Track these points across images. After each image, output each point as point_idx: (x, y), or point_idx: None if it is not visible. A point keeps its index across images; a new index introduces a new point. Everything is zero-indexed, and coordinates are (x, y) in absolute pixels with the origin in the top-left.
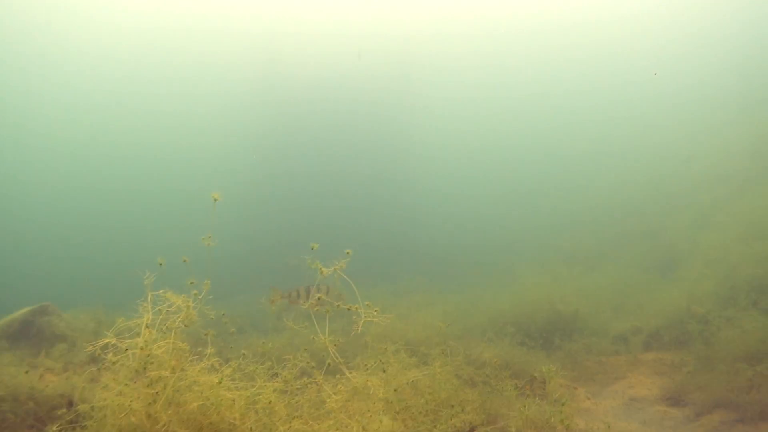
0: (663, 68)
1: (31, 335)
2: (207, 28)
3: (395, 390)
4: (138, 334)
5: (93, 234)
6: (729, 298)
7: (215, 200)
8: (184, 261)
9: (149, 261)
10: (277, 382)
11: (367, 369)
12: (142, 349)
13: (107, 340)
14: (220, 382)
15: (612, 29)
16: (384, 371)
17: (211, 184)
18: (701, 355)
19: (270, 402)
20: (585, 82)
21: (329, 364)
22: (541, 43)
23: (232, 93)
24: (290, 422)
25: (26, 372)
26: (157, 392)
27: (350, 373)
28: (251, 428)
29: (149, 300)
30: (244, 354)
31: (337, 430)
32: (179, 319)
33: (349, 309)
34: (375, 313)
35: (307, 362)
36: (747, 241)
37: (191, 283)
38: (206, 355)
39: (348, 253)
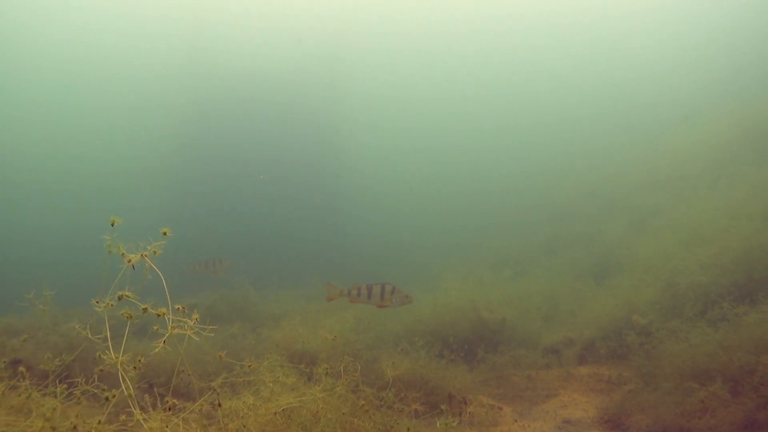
0: (601, 69)
1: None
2: (121, 12)
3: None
4: None
5: None
6: (672, 308)
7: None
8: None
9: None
10: None
11: (217, 393)
12: None
13: None
14: None
15: (544, 28)
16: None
17: (118, 184)
18: (643, 371)
19: None
20: (521, 80)
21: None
22: (479, 38)
23: (145, 85)
24: None
25: None
26: None
27: (188, 402)
28: None
29: None
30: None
31: None
32: None
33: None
34: (191, 324)
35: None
36: (689, 247)
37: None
38: None
39: (165, 233)
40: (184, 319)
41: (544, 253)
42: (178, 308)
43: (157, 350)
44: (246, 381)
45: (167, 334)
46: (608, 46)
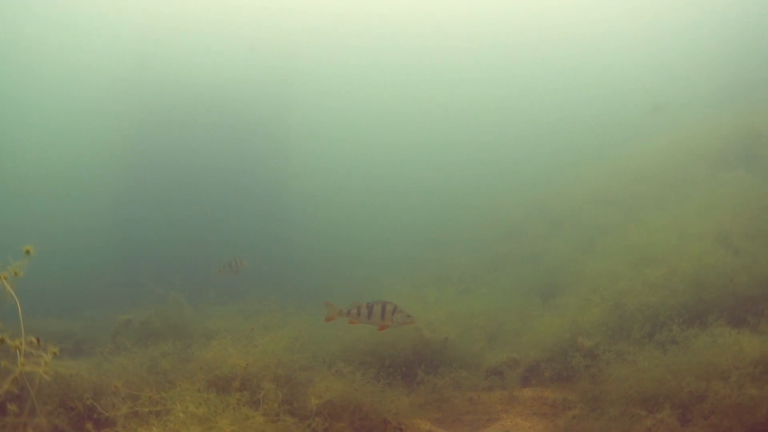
0: (550, 86)
1: None
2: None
3: None
4: None
5: None
6: (619, 329)
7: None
8: None
9: None
10: None
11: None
12: None
13: None
14: None
15: (494, 42)
16: None
17: (66, 189)
18: (588, 395)
19: None
20: (470, 96)
21: None
22: (431, 52)
23: (97, 86)
24: None
25: None
26: None
27: None
28: None
29: None
30: None
31: None
32: None
33: None
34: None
35: None
36: (637, 267)
37: None
38: None
39: (28, 251)
40: (40, 353)
41: (490, 270)
42: (32, 341)
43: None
44: (154, 411)
45: (17, 372)
46: (558, 64)
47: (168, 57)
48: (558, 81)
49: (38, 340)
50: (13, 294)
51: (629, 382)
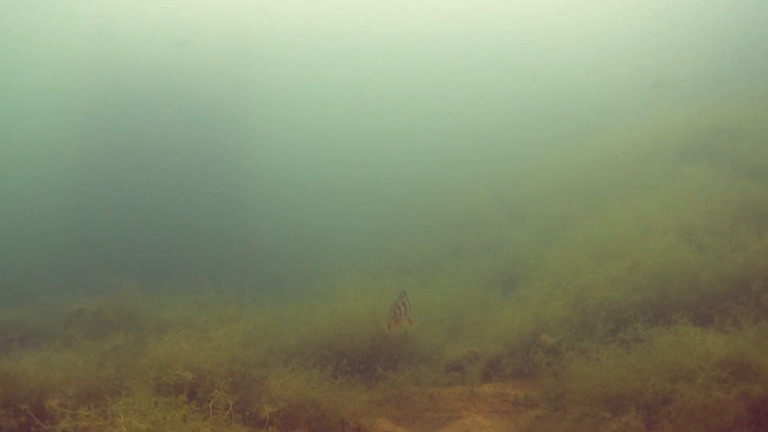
0: (514, 73)
1: None
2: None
3: None
4: None
5: None
6: (582, 326)
7: None
8: None
9: None
10: None
11: None
12: None
13: None
14: None
15: (454, 28)
16: None
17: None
18: (551, 394)
19: None
20: (429, 81)
21: None
22: (385, 35)
23: (49, 74)
24: None
25: None
26: None
27: None
28: None
29: None
30: None
31: None
32: None
33: None
34: None
35: None
36: (598, 260)
37: None
38: None
39: None
40: None
41: (450, 258)
42: None
43: None
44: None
45: None
46: (519, 53)
47: (124, 38)
48: (520, 70)
49: None
50: None
51: (593, 381)
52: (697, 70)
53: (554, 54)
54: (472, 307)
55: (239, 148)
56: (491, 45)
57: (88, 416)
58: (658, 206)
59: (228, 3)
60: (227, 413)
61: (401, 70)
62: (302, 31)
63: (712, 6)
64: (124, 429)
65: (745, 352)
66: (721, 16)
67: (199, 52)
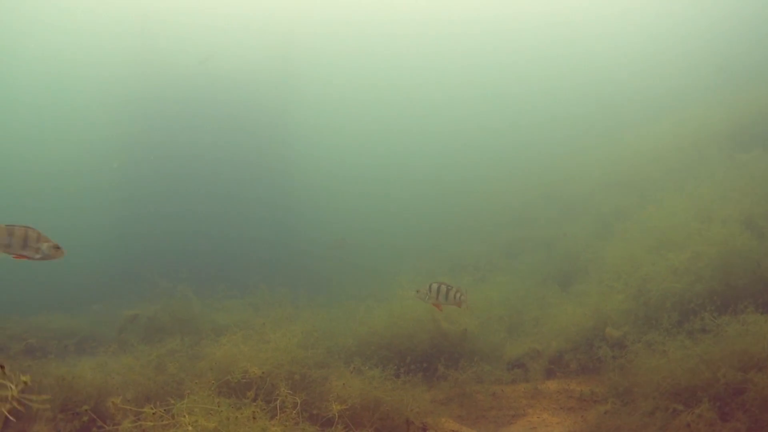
0: (561, 70)
1: None
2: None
3: None
4: None
5: None
6: (646, 318)
7: None
8: None
9: None
10: None
11: None
12: None
13: None
14: None
15: (504, 27)
16: None
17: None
18: (618, 388)
19: None
20: (479, 81)
21: None
22: (438, 36)
23: (98, 82)
24: None
25: None
26: None
27: None
28: None
29: None
30: None
31: None
32: None
33: None
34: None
35: None
36: (659, 251)
37: None
38: None
39: None
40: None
41: (505, 257)
42: None
43: None
44: (160, 425)
45: None
46: (569, 47)
47: (170, 50)
48: (566, 65)
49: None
50: None
51: (661, 373)
52: (747, 56)
53: (600, 46)
54: (530, 304)
55: (290, 155)
56: (535, 41)
57: (153, 414)
58: (716, 195)
59: (270, 10)
60: (294, 412)
61: (446, 71)
62: (346, 39)
63: None
64: (190, 428)
65: None
66: None
67: (246, 61)
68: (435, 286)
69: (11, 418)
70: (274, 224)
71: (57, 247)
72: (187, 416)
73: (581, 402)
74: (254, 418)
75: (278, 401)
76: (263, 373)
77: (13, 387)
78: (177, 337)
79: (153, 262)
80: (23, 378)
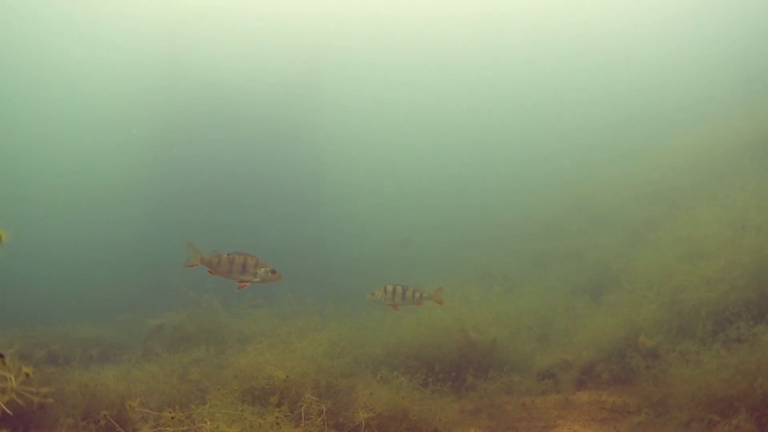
0: (590, 80)
1: None
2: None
3: None
4: None
5: None
6: (679, 328)
7: None
8: None
9: None
10: None
11: None
12: None
13: None
14: None
15: (533, 35)
16: None
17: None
18: (652, 398)
19: None
20: (508, 91)
21: None
22: (463, 47)
23: (128, 92)
24: None
25: None
26: None
27: None
28: None
29: None
30: None
31: None
32: None
33: None
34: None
35: None
36: (691, 261)
37: None
38: None
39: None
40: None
41: (534, 267)
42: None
43: None
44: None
45: None
46: (598, 56)
47: (198, 61)
48: (597, 76)
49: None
50: None
51: (696, 383)
52: None
53: (633, 58)
54: (560, 314)
55: (315, 165)
56: (569, 53)
57: (172, 418)
58: (749, 204)
59: (301, 18)
60: (319, 419)
61: (477, 83)
62: (374, 48)
63: None
64: None
65: None
66: None
67: (271, 71)
68: (390, 287)
69: (8, 411)
70: (302, 236)
71: (273, 272)
72: (208, 423)
73: (613, 413)
74: (278, 424)
75: (302, 408)
76: (287, 378)
77: (12, 378)
78: (202, 346)
79: (180, 272)
80: (25, 369)
